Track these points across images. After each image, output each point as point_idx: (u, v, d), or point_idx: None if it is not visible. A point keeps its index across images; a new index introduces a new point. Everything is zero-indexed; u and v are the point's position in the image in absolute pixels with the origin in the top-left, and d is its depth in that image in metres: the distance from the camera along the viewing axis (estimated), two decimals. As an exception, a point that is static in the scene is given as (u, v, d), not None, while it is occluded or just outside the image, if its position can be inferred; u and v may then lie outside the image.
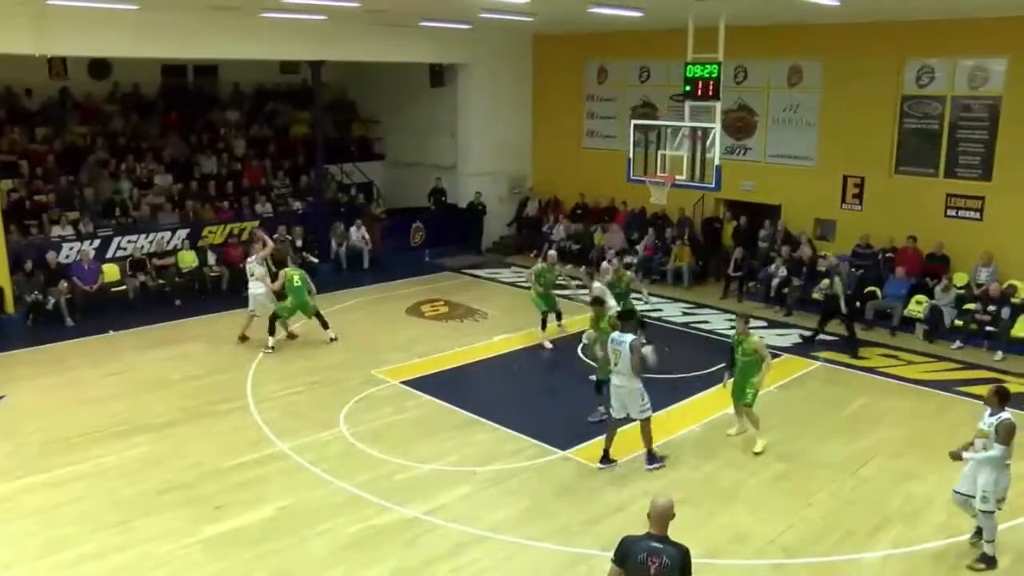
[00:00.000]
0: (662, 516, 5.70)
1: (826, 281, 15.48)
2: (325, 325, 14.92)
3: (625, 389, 10.05)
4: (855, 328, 14.90)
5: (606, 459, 10.32)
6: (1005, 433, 7.88)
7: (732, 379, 10.83)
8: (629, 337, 10.01)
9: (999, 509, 8.07)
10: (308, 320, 14.98)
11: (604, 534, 8.75)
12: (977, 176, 16.18)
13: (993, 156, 15.93)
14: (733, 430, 11.13)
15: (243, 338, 14.82)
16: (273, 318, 14.56)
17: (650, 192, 14.48)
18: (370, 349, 14.61)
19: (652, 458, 10.29)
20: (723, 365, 11.26)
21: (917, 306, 15.80)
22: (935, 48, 16.38)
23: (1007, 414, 8.00)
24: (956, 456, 8.20)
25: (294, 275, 14.68)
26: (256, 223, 19.54)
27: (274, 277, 15.11)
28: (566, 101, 22.73)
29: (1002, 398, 8.11)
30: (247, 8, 16.25)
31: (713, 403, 12.03)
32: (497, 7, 15.81)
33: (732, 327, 12.46)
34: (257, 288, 14.80)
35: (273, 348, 14.43)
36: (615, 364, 10.07)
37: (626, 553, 5.70)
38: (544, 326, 14.90)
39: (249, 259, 15.24)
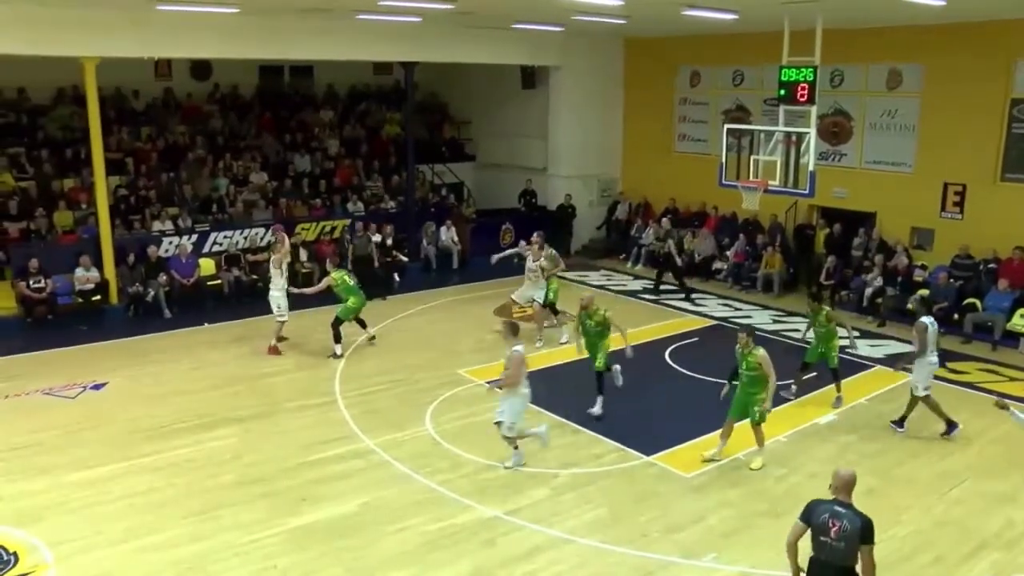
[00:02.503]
0: (847, 484, 6.23)
1: (662, 243, 18.98)
2: (363, 324, 14.95)
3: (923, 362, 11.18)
4: (684, 279, 18.61)
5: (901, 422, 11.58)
6: None
7: (728, 391, 10.76)
8: (928, 319, 11.29)
9: None
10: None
11: (684, 542, 8.69)
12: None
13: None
14: (709, 452, 10.58)
15: (280, 339, 14.75)
16: (337, 323, 14.36)
17: (742, 197, 14.27)
18: (457, 349, 14.72)
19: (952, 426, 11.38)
20: (727, 380, 10.89)
21: (1022, 320, 15.18)
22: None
23: None
24: None
25: (344, 276, 14.49)
26: (347, 221, 19.91)
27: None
28: (658, 105, 22.52)
29: None
30: (342, 10, 16.56)
31: (800, 414, 11.83)
32: (590, 9, 15.76)
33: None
34: (276, 290, 14.52)
35: (341, 355, 14.31)
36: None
37: (812, 512, 6.23)
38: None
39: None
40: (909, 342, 14.96)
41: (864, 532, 6.03)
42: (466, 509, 9.32)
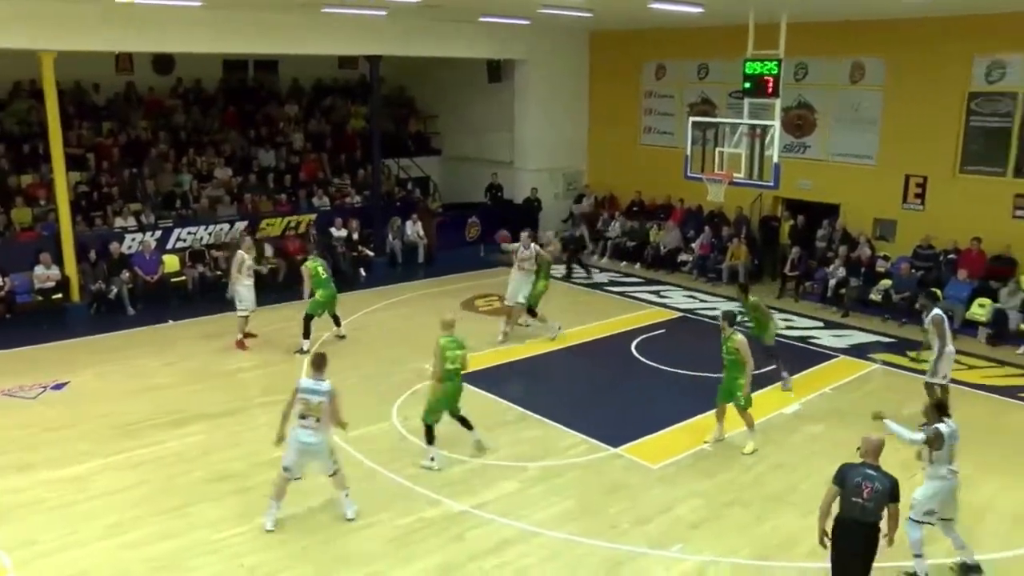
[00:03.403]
0: (876, 450, 6.98)
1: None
2: (337, 322, 14.79)
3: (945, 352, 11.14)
4: (584, 261, 20.25)
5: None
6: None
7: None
8: (939, 310, 11.23)
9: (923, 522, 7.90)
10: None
11: (653, 533, 8.74)
12: (1049, 176, 15.67)
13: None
14: (709, 437, 10.86)
15: (249, 336, 14.58)
16: (308, 318, 14.15)
17: (707, 190, 14.34)
18: (423, 343, 14.54)
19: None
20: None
21: (980, 309, 15.43)
22: (1007, 43, 15.82)
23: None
24: None
25: (318, 267, 14.27)
26: (313, 216, 19.80)
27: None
28: (623, 98, 22.59)
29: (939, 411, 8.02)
30: (308, 4, 16.44)
31: (765, 403, 11.89)
32: (556, 3, 15.76)
33: (787, 327, 12.38)
34: (238, 284, 14.34)
35: (308, 351, 13.84)
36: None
37: (844, 476, 6.90)
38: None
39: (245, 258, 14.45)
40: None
41: (893, 491, 6.74)
42: (434, 504, 9.32)
